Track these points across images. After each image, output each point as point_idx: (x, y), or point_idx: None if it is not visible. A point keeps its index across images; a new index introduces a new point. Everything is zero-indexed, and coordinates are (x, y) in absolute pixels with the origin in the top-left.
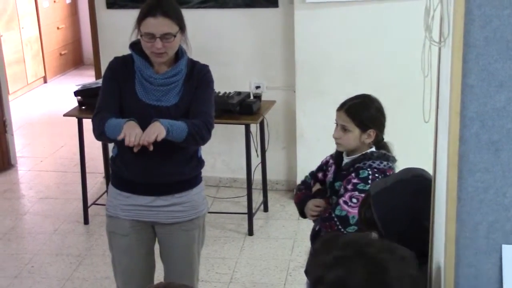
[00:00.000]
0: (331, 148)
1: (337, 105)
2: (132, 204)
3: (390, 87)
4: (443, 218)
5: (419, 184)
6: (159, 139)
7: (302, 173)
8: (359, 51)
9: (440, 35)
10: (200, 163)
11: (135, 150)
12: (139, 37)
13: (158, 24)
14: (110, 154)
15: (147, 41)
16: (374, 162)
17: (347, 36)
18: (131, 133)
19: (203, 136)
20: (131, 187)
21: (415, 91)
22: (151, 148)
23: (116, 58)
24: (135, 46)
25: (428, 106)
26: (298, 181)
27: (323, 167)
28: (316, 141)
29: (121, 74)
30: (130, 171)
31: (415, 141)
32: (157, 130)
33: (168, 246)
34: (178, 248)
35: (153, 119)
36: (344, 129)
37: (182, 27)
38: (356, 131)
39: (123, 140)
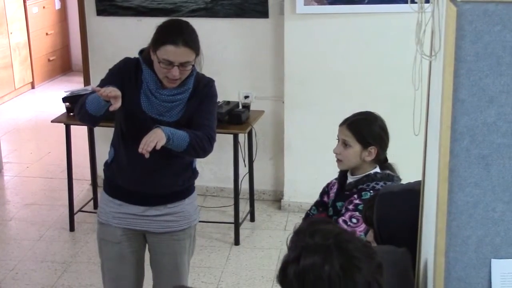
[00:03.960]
0: (319, 159)
1: (326, 117)
2: (124, 213)
3: (380, 99)
4: (433, 232)
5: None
6: (158, 147)
7: (289, 184)
8: (349, 63)
9: (431, 49)
10: (194, 174)
11: (112, 107)
12: (155, 59)
13: (179, 53)
14: (104, 159)
15: (163, 67)
16: (377, 184)
17: (337, 48)
18: (108, 87)
19: (204, 148)
20: (123, 195)
21: (405, 104)
22: (147, 155)
23: (128, 60)
24: (145, 54)
25: (418, 119)
26: (285, 191)
27: (325, 189)
28: (303, 152)
29: (129, 77)
30: (124, 179)
31: (404, 154)
32: (157, 137)
33: (159, 254)
34: (168, 257)
35: (155, 125)
36: (345, 144)
37: (198, 53)
38: (356, 147)
39: (118, 139)
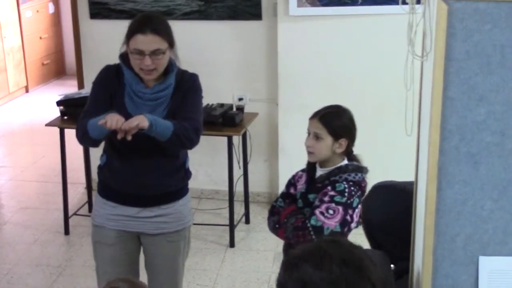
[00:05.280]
0: None
1: None
2: (119, 214)
3: (373, 100)
4: (422, 229)
5: None
6: (141, 126)
7: (283, 186)
8: (342, 65)
9: (423, 49)
10: (187, 174)
11: (119, 137)
12: (128, 52)
13: (148, 41)
14: (98, 162)
15: (136, 58)
16: (349, 175)
17: (330, 49)
18: (113, 118)
19: (191, 138)
20: (117, 197)
21: (397, 105)
22: (129, 138)
23: (108, 67)
24: (125, 57)
25: (411, 119)
26: (280, 193)
27: (291, 181)
28: (297, 154)
29: (112, 83)
30: (118, 181)
31: (397, 154)
32: (139, 119)
33: (153, 256)
34: (163, 259)
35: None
36: (317, 137)
37: (171, 43)
38: (328, 140)
39: (111, 146)
